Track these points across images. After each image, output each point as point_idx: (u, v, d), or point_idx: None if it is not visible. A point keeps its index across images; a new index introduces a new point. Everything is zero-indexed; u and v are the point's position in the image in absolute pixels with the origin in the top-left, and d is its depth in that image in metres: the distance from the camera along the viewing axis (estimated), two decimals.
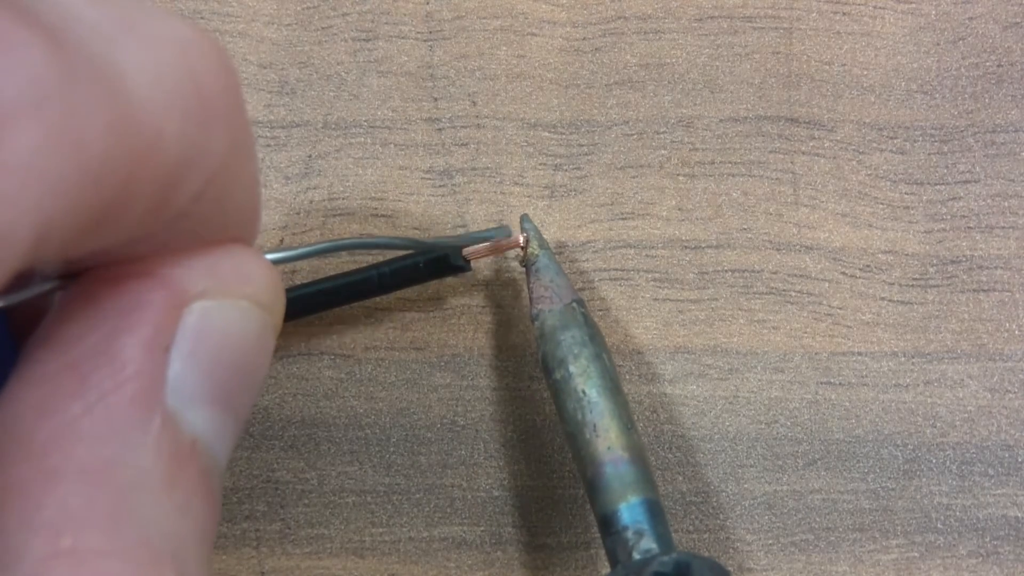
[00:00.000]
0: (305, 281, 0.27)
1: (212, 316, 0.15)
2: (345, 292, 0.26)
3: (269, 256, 0.23)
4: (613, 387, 0.24)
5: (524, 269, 0.26)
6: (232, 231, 0.15)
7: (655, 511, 0.23)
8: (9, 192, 0.11)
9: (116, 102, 0.12)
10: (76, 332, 0.14)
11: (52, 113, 0.12)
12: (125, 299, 0.14)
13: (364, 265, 0.26)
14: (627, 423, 0.24)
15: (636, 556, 0.23)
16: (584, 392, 0.24)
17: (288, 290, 0.26)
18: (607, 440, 0.24)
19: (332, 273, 0.27)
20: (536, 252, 0.26)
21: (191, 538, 0.14)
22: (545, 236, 0.27)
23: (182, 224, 0.14)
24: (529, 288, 0.26)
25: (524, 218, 0.26)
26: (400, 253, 0.26)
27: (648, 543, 0.23)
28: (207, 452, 0.15)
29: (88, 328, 0.14)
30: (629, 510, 0.23)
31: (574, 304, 0.25)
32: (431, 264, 0.26)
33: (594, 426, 0.24)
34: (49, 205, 0.12)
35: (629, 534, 0.23)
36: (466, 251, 0.26)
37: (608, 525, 0.23)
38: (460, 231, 0.28)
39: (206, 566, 0.14)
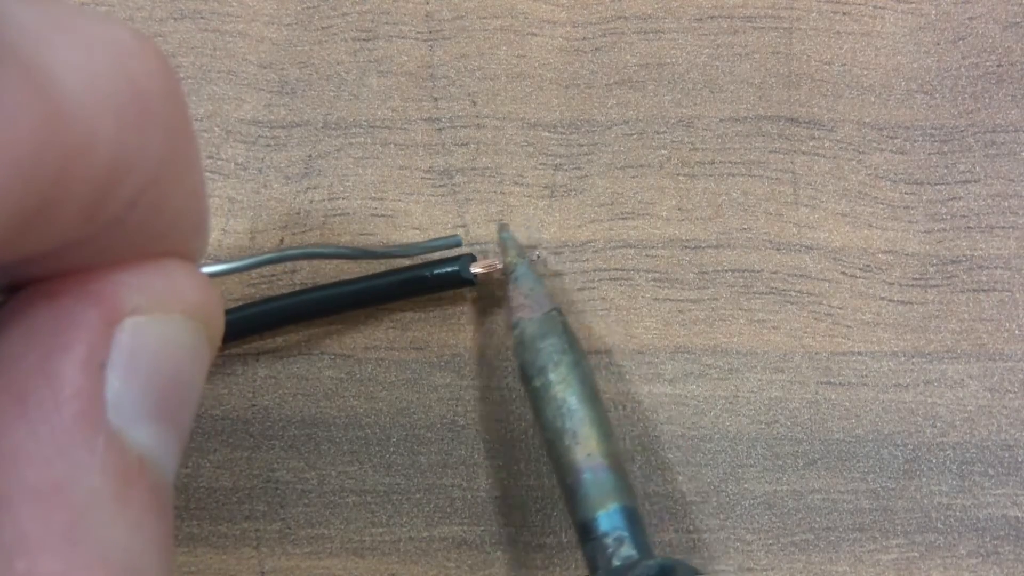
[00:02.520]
0: (306, 282, 0.27)
1: (144, 332, 0.15)
2: (352, 299, 0.27)
3: (207, 270, 0.23)
4: (592, 395, 0.24)
5: (504, 278, 0.26)
6: (173, 243, 0.15)
7: (634, 518, 0.23)
8: None
9: (45, 100, 0.12)
10: (14, 351, 0.14)
11: None
12: (59, 317, 0.14)
13: (371, 272, 0.27)
14: (606, 431, 0.24)
15: (616, 563, 0.23)
16: (564, 400, 0.24)
17: (295, 294, 0.27)
18: (587, 447, 0.24)
19: (334, 279, 0.27)
20: (514, 261, 0.26)
21: (147, 554, 0.14)
22: (545, 236, 0.27)
23: (118, 233, 0.14)
24: (508, 297, 0.26)
25: (502, 227, 0.27)
26: (407, 262, 0.27)
27: (628, 550, 0.23)
28: (155, 467, 0.15)
29: (25, 347, 0.14)
30: (608, 517, 0.23)
31: (554, 312, 0.25)
32: (439, 277, 0.26)
33: (574, 433, 0.24)
34: None
35: (609, 540, 0.23)
36: (473, 266, 0.26)
37: (587, 532, 0.23)
38: (460, 231, 0.28)
39: None
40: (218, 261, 0.25)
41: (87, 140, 0.13)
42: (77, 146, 0.13)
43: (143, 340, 0.15)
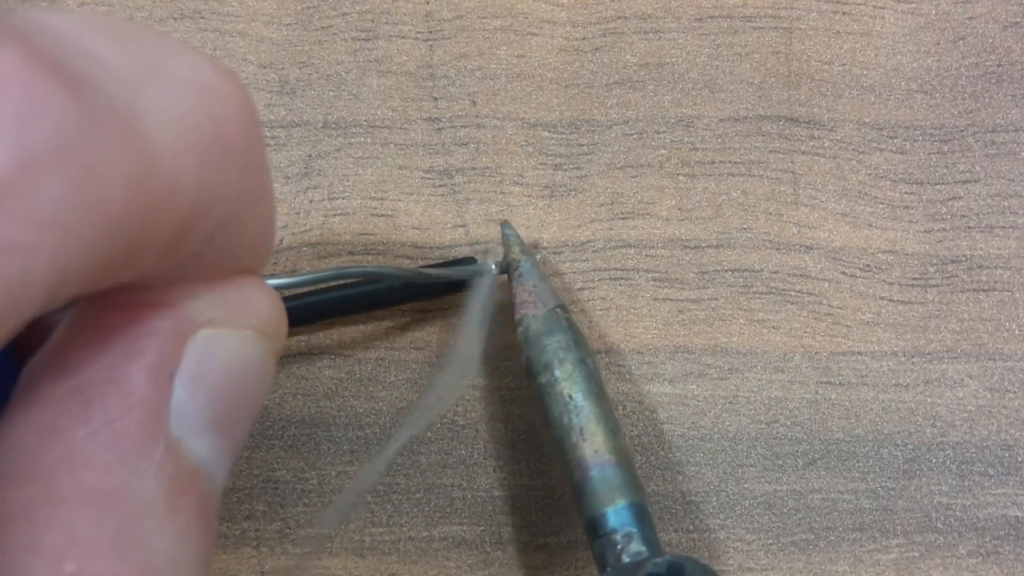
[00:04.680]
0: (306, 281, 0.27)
1: (216, 344, 0.15)
2: (353, 303, 0.27)
3: (272, 282, 0.23)
4: (599, 391, 0.24)
5: (507, 275, 0.26)
6: (243, 263, 0.15)
7: (642, 514, 0.23)
8: (29, 244, 0.11)
9: (137, 152, 0.12)
10: (82, 357, 0.14)
11: (74, 164, 0.12)
12: (131, 326, 0.14)
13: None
14: (613, 427, 0.24)
15: (625, 559, 0.23)
16: (570, 396, 0.24)
17: (296, 297, 0.27)
18: (594, 444, 0.24)
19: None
20: (517, 258, 0.26)
21: (190, 564, 0.14)
22: (545, 236, 0.27)
23: (193, 262, 0.14)
24: (512, 293, 0.26)
25: (505, 224, 0.27)
26: (407, 265, 0.27)
27: (637, 546, 0.23)
28: (207, 478, 0.15)
29: (94, 353, 0.14)
30: (616, 513, 0.23)
31: (558, 309, 0.25)
32: (442, 282, 0.26)
33: (581, 430, 0.24)
34: (66, 257, 0.12)
35: (618, 537, 0.23)
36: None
37: (596, 528, 0.23)
38: (460, 231, 0.28)
39: None
40: (276, 276, 0.25)
41: (173, 187, 0.13)
42: (163, 194, 0.13)
43: (214, 353, 0.15)
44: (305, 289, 0.26)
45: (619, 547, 0.23)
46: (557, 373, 0.24)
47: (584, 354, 0.25)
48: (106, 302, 0.14)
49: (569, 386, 0.24)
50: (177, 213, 0.13)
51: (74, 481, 0.13)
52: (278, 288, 0.23)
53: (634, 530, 0.23)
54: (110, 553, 0.13)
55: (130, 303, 0.14)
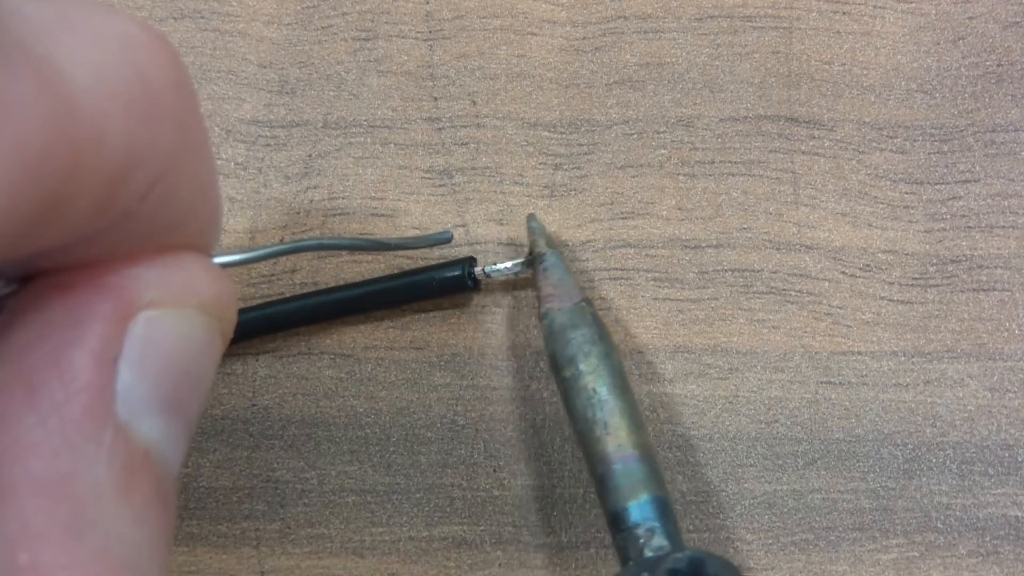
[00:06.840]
0: (306, 282, 0.27)
1: (158, 325, 0.15)
2: (355, 304, 0.27)
3: (220, 260, 0.23)
4: (623, 385, 0.24)
5: (532, 268, 0.26)
6: (186, 234, 0.15)
7: (665, 509, 0.23)
8: None
9: (55, 95, 0.12)
10: (26, 341, 0.14)
11: None
12: (74, 309, 0.14)
13: (375, 276, 0.27)
14: (637, 421, 0.24)
15: (648, 553, 0.23)
16: (595, 390, 0.24)
17: (297, 298, 0.27)
18: (617, 438, 0.24)
19: (334, 278, 0.27)
20: (543, 251, 0.26)
21: (148, 547, 0.14)
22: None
23: (131, 225, 0.14)
24: (537, 287, 0.26)
25: (531, 217, 0.27)
26: (412, 267, 0.27)
27: (660, 540, 0.23)
28: (160, 460, 0.15)
29: (38, 338, 0.14)
30: (639, 508, 0.23)
31: (583, 303, 0.25)
32: (443, 282, 0.26)
33: (605, 424, 0.24)
34: None
35: (640, 531, 0.23)
36: (477, 270, 0.26)
37: (618, 522, 0.23)
38: (460, 231, 0.28)
39: (164, 573, 0.14)
40: (230, 251, 0.24)
41: (97, 134, 0.13)
42: (87, 141, 0.13)
43: (156, 334, 0.15)
44: (260, 263, 0.26)
45: (641, 541, 0.23)
46: (582, 367, 0.24)
47: (609, 349, 0.25)
48: (51, 283, 0.14)
49: (593, 380, 0.24)
50: (105, 163, 0.13)
51: (23, 469, 0.13)
52: (231, 264, 0.23)
53: (657, 524, 0.23)
54: (64, 540, 0.13)
55: (73, 284, 0.14)
